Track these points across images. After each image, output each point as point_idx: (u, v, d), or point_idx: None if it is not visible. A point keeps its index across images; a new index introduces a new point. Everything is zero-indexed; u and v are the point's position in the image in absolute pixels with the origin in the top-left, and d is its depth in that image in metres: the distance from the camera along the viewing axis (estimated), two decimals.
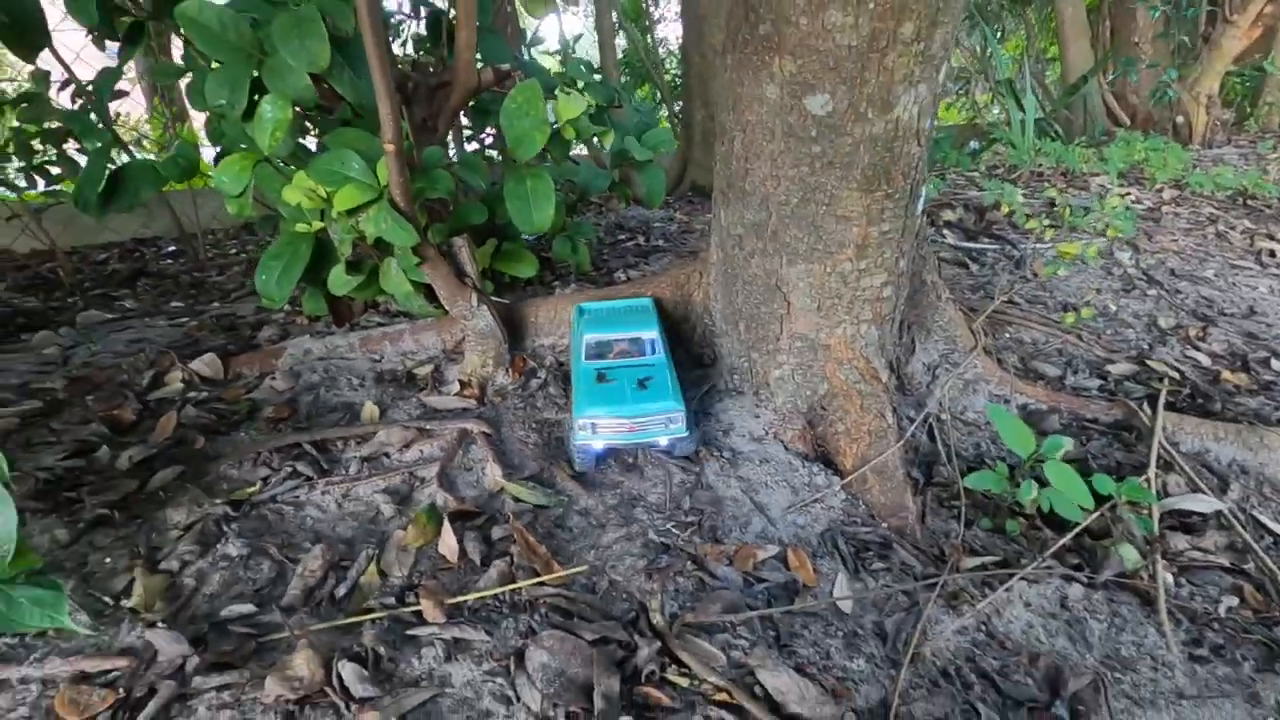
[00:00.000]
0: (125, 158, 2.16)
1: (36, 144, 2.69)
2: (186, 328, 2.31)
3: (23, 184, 2.82)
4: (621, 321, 1.51)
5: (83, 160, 2.75)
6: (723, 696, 0.88)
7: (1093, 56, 5.53)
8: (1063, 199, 3.32)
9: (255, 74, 1.54)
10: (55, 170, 2.86)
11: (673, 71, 6.95)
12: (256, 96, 1.54)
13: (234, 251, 4.21)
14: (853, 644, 0.99)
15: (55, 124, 2.58)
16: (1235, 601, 1.19)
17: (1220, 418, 1.69)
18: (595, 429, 1.27)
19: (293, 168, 1.59)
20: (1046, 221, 2.93)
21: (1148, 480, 1.40)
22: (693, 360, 1.66)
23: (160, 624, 0.96)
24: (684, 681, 0.90)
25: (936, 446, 1.51)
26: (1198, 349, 2.07)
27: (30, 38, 1.84)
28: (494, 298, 1.76)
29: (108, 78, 1.86)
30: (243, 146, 1.73)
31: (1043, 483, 1.29)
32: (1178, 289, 2.53)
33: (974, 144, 4.86)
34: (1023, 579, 1.15)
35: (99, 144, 1.75)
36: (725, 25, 1.18)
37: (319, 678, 0.89)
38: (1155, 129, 5.45)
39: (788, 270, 1.30)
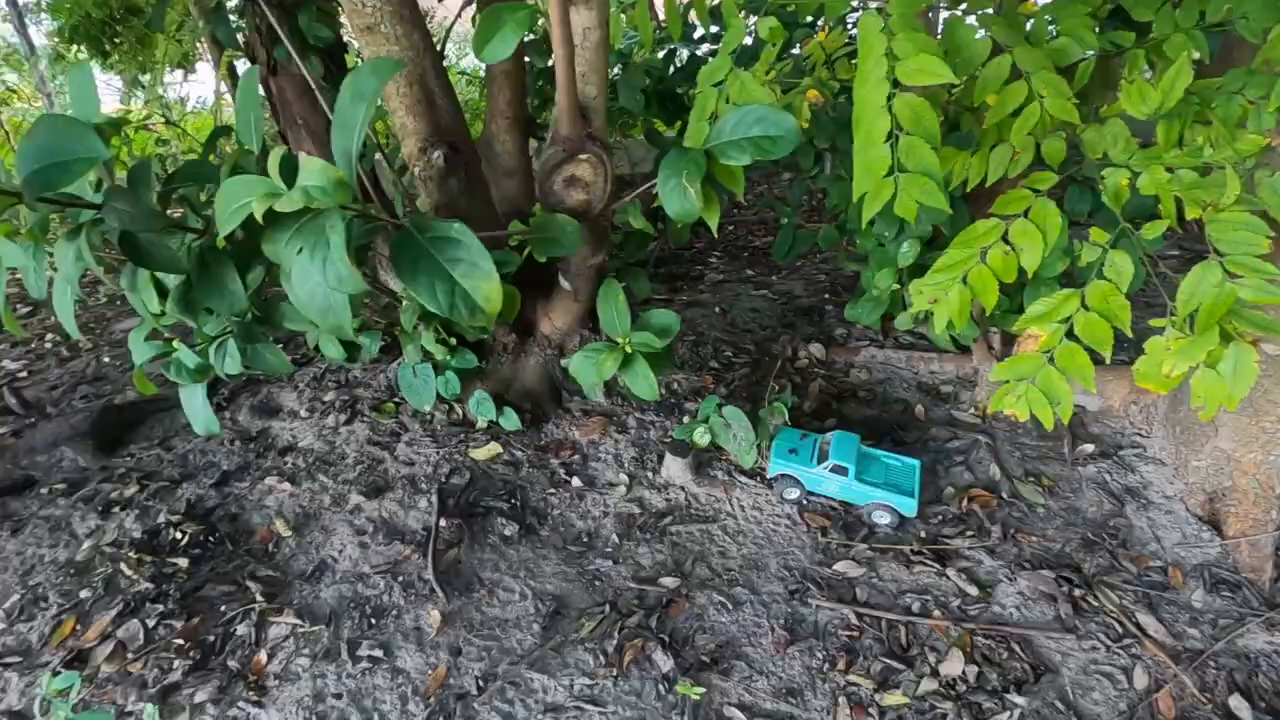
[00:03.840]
0: None
1: None
2: (781, 306, 3.88)
3: None
4: (857, 461, 2.26)
5: None
6: (1118, 617, 1.99)
7: None
8: None
9: None
10: None
11: None
12: None
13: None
14: (1187, 614, 1.99)
15: None
16: None
17: None
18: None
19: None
20: None
21: None
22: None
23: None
24: (1094, 602, 2.03)
25: None
26: None
27: None
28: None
29: None
30: None
31: None
32: None
33: None
34: None
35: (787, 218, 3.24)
36: None
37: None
38: None
39: (1223, 415, 2.15)
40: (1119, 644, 1.92)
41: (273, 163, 1.01)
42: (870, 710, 1.77)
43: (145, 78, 7.63)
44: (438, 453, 2.61)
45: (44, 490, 2.50)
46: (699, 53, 3.32)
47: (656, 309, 2.29)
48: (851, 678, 1.85)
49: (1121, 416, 2.61)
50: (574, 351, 2.88)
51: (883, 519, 2.29)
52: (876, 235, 2.83)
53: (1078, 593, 2.05)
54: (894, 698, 1.79)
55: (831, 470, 2.28)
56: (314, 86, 2.23)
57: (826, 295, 3.96)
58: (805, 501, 2.38)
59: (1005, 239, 1.50)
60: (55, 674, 1.84)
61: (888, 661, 1.89)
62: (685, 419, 2.77)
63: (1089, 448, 2.56)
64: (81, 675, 1.82)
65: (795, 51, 2.72)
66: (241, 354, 1.58)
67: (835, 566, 2.17)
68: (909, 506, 2.24)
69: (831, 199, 3.18)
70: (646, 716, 1.76)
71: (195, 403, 1.68)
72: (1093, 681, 1.84)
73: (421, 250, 1.07)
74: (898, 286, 2.92)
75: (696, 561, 2.20)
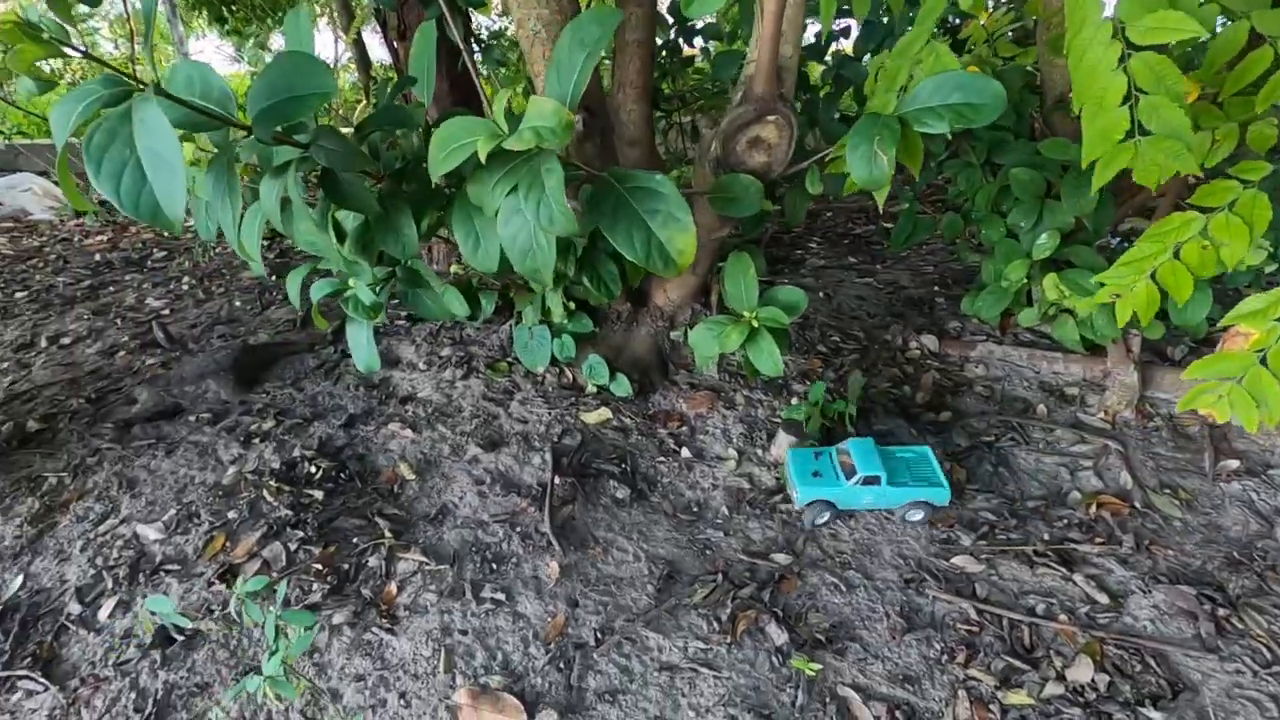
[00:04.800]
0: None
1: None
2: (887, 295, 3.78)
3: None
4: (882, 463, 2.15)
5: None
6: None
7: None
8: None
9: None
10: None
11: None
12: None
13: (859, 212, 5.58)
14: None
15: None
16: None
17: None
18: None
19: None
20: None
21: None
22: None
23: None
24: (1240, 624, 1.91)
25: None
26: None
27: None
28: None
29: None
30: None
31: None
32: None
33: None
34: None
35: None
36: None
37: None
38: None
39: None
40: (1268, 670, 1.80)
41: (499, 106, 1.04)
42: (991, 707, 1.73)
43: (272, 43, 7.99)
44: (549, 413, 2.67)
45: (191, 418, 2.70)
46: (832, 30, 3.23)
47: (782, 285, 2.27)
48: (972, 672, 1.80)
49: (1273, 434, 2.43)
50: (684, 324, 2.89)
51: (916, 515, 2.23)
52: (1009, 225, 2.71)
53: (1221, 612, 1.93)
54: (1017, 697, 1.74)
55: (864, 483, 2.16)
56: (461, 46, 2.29)
57: (935, 287, 3.84)
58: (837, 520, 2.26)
59: (1204, 233, 1.40)
60: (211, 582, 1.99)
61: (1010, 660, 1.83)
62: (794, 400, 2.74)
63: (1233, 464, 2.40)
64: (233, 588, 1.98)
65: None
66: (403, 297, 1.66)
67: (953, 560, 2.11)
68: (943, 496, 2.17)
69: (957, 186, 3.06)
70: (760, 685, 1.77)
71: (361, 339, 1.77)
72: (1237, 706, 1.73)
73: (621, 200, 1.09)
74: (1026, 280, 2.79)
75: (808, 541, 2.19)
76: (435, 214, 1.54)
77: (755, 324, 2.19)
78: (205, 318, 3.62)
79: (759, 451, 2.52)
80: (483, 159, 1.00)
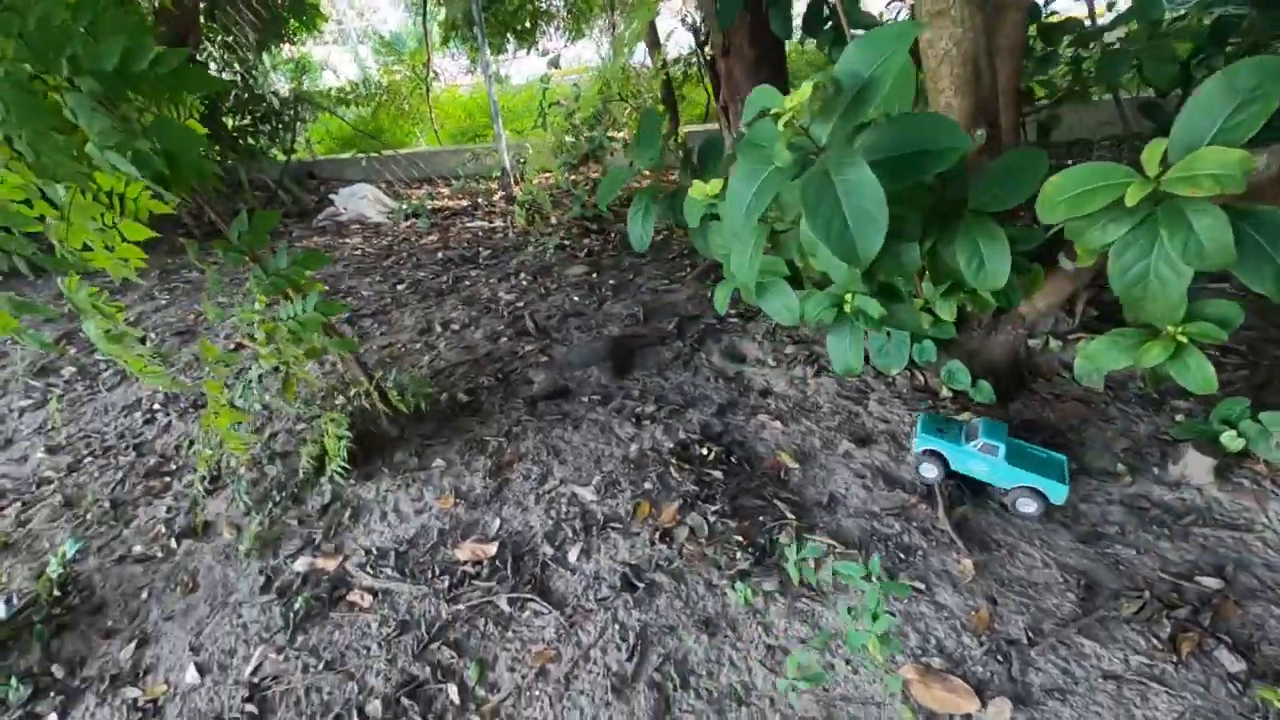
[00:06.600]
0: None
1: None
2: (1253, 300, 3.39)
3: None
4: (1012, 449, 2.26)
5: None
6: None
7: None
8: None
9: None
10: None
11: None
12: None
13: None
14: None
15: None
16: None
17: None
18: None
19: None
20: None
21: None
22: None
23: None
24: None
25: None
26: None
27: None
28: None
29: None
30: None
31: None
32: None
33: None
34: None
35: None
36: None
37: None
38: None
39: None
40: None
41: (1152, 155, 1.16)
42: None
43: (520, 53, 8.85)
44: (909, 414, 2.78)
45: (582, 399, 3.18)
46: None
47: (1211, 298, 2.17)
48: None
49: None
50: (1044, 333, 2.85)
51: (1028, 507, 2.26)
52: None
53: None
54: None
55: (981, 449, 2.27)
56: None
57: None
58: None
59: None
60: (651, 541, 2.36)
61: None
62: (1178, 417, 2.60)
63: None
64: (672, 548, 2.33)
65: None
66: (886, 311, 1.86)
67: None
68: (1059, 492, 2.21)
69: None
70: (1220, 710, 1.75)
71: (844, 344, 2.02)
72: None
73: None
74: None
75: (1237, 569, 2.09)
76: (933, 238, 1.71)
77: (1181, 339, 2.12)
78: (555, 310, 4.19)
79: (1154, 469, 2.43)
80: (1130, 205, 1.12)
